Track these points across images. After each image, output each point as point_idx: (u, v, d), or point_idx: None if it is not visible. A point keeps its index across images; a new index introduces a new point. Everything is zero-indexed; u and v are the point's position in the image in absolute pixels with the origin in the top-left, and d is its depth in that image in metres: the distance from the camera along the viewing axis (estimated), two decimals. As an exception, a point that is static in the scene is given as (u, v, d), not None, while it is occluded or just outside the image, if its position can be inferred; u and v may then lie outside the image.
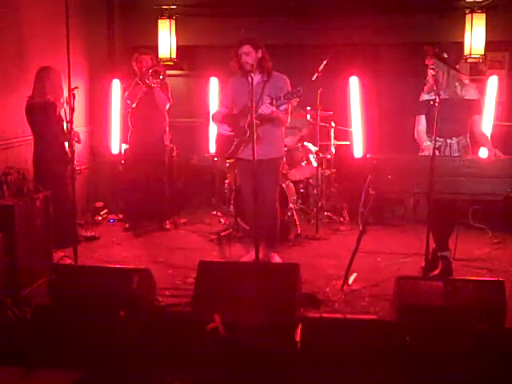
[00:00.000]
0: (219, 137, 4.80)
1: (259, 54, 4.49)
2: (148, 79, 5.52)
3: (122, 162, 6.49)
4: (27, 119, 4.90)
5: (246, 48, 4.45)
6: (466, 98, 4.25)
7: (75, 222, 4.86)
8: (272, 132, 4.55)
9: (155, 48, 6.90)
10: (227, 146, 4.66)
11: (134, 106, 5.65)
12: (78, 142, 4.90)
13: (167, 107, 5.74)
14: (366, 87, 6.55)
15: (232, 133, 4.60)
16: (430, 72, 4.11)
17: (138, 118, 5.72)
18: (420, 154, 4.37)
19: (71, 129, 4.73)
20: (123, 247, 5.40)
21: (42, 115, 4.85)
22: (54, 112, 4.89)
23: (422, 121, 4.38)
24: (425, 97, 4.37)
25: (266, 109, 4.34)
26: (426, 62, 4.22)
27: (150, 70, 5.54)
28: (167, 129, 5.85)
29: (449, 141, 4.28)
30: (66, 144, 5.04)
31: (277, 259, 4.72)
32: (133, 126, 5.81)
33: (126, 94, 5.69)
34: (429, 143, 4.26)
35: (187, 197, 6.84)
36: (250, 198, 4.64)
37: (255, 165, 4.02)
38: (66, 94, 5.07)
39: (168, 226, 5.92)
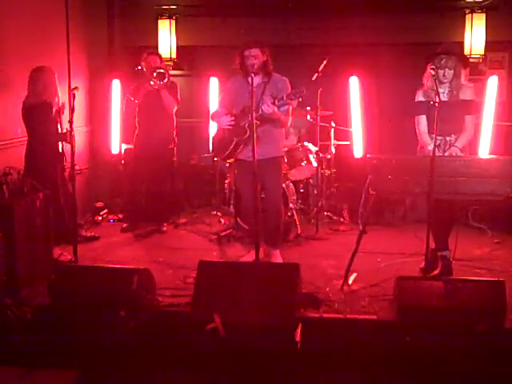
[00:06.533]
0: (217, 136, 4.79)
1: (264, 57, 4.48)
2: (153, 81, 5.47)
3: (122, 161, 6.50)
4: (23, 119, 4.91)
5: (255, 51, 4.42)
6: (462, 98, 4.29)
7: (75, 221, 4.87)
8: (271, 133, 4.54)
9: (155, 48, 6.90)
10: (225, 146, 4.64)
11: (136, 101, 5.58)
12: (71, 142, 4.85)
13: (175, 109, 5.69)
14: (366, 87, 6.56)
15: (233, 122, 4.54)
16: (430, 72, 4.11)
17: (144, 118, 5.69)
18: (419, 153, 4.38)
19: (71, 129, 4.74)
20: (123, 247, 5.39)
21: (37, 115, 4.85)
22: (50, 112, 4.89)
23: (423, 121, 4.39)
24: (420, 98, 4.37)
25: (267, 108, 4.32)
26: (429, 65, 4.20)
27: (155, 72, 5.48)
28: (174, 132, 5.81)
29: (448, 138, 4.32)
30: (60, 144, 5.04)
31: (279, 256, 4.73)
32: (139, 126, 5.77)
33: (131, 88, 5.64)
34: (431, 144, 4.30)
35: (187, 197, 6.84)
36: (247, 199, 4.66)
37: (255, 165, 4.02)
38: (61, 93, 5.07)
39: (165, 229, 5.88)
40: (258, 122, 4.30)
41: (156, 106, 5.56)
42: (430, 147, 4.29)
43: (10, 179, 4.29)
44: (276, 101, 4.34)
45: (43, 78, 4.89)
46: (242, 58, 4.48)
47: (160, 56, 5.79)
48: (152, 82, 5.47)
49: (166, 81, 5.51)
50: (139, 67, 5.72)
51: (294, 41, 6.86)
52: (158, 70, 5.51)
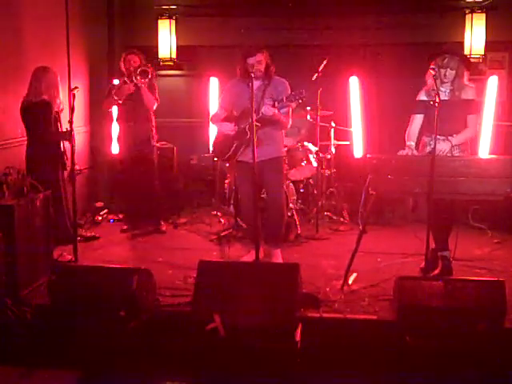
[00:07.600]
0: (218, 138, 4.79)
1: (267, 61, 4.49)
2: (136, 78, 5.47)
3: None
4: (22, 118, 4.91)
5: (259, 57, 4.43)
6: (463, 98, 4.28)
7: (75, 221, 4.87)
8: (272, 134, 4.55)
9: (155, 48, 6.91)
10: (226, 148, 4.64)
11: (120, 102, 5.56)
12: (71, 141, 4.84)
13: (154, 107, 5.70)
14: (366, 87, 6.56)
15: (234, 131, 4.57)
16: (430, 72, 4.11)
17: (125, 117, 5.69)
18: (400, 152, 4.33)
19: (71, 129, 4.74)
20: (123, 247, 5.40)
21: (37, 115, 4.85)
22: (50, 112, 4.89)
23: (416, 121, 4.39)
24: (422, 97, 4.38)
25: (267, 110, 4.33)
26: (432, 64, 4.21)
27: (139, 70, 5.48)
28: (154, 129, 5.80)
29: (450, 138, 4.30)
30: (62, 144, 5.05)
31: (279, 256, 4.73)
32: (120, 126, 5.78)
33: (113, 91, 5.61)
34: (412, 143, 4.32)
35: (187, 197, 6.84)
36: (247, 199, 4.66)
37: (255, 167, 4.03)
38: (62, 94, 5.07)
39: (163, 228, 5.86)
40: (259, 124, 4.31)
41: (136, 105, 5.55)
42: (409, 143, 4.32)
43: (10, 179, 4.29)
44: (276, 103, 4.34)
45: (46, 78, 4.89)
46: (244, 65, 4.47)
47: (139, 55, 5.69)
48: (135, 80, 5.47)
49: (149, 77, 5.50)
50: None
51: (294, 41, 6.85)
52: (141, 68, 5.51)
